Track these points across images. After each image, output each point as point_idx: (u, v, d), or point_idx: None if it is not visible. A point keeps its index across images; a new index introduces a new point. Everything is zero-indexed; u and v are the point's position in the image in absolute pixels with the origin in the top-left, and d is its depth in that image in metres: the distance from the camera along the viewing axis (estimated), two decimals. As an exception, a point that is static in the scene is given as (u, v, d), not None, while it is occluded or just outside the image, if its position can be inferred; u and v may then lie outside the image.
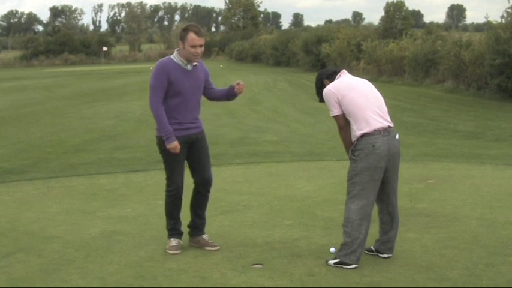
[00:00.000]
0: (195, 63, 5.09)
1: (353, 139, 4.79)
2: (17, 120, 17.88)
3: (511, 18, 21.72)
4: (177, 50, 5.10)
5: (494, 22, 23.00)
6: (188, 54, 5.00)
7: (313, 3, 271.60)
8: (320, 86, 4.93)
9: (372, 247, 4.95)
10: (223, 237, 5.46)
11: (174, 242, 5.19)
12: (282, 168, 9.26)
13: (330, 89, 4.79)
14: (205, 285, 4.43)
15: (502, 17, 22.53)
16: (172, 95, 5.02)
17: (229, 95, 5.36)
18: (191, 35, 4.94)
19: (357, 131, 4.72)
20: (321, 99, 4.92)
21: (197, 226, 5.35)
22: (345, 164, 9.25)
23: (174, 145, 5.00)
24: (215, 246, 5.23)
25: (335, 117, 4.80)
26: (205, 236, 5.34)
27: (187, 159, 5.20)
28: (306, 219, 6.10)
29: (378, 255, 4.91)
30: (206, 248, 5.23)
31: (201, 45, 4.98)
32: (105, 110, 20.17)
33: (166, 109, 5.04)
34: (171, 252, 5.12)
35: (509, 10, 22.03)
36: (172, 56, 5.10)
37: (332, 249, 4.91)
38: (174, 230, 5.26)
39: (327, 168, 9.11)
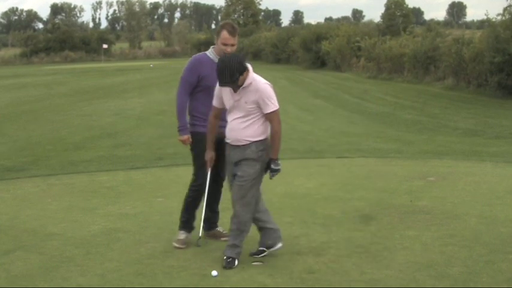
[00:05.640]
0: None
1: (261, 138, 4.76)
2: (17, 117, 17.87)
3: (510, 16, 21.68)
4: (213, 47, 5.17)
5: (493, 19, 22.96)
6: (219, 51, 5.07)
7: (314, 1, 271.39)
8: (241, 72, 4.59)
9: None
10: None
11: (182, 235, 5.23)
12: (282, 166, 9.22)
13: (270, 84, 4.77)
14: (205, 282, 4.43)
15: (499, 14, 22.50)
16: (203, 89, 5.09)
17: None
18: (224, 33, 5.01)
19: (268, 131, 4.79)
20: (232, 84, 4.61)
21: (210, 219, 5.40)
22: (345, 161, 9.30)
23: (184, 138, 5.15)
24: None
25: (277, 111, 4.72)
26: (219, 228, 5.44)
27: None
28: (305, 217, 6.10)
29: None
30: (222, 239, 5.29)
31: (232, 45, 5.02)
32: (105, 107, 20.16)
33: (197, 104, 5.13)
34: (176, 245, 5.14)
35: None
36: (207, 52, 5.19)
37: (214, 273, 4.58)
38: (187, 223, 5.29)
39: (326, 166, 9.10)
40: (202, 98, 5.12)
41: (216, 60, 5.05)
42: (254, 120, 4.70)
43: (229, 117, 4.78)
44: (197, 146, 5.18)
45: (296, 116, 17.75)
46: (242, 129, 4.70)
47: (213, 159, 4.97)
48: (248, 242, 5.26)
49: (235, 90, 4.66)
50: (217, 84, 4.73)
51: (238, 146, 4.73)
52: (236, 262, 4.72)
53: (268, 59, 54.15)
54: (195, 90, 5.13)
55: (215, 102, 4.87)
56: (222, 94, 4.77)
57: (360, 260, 4.77)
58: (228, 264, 4.70)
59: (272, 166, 4.79)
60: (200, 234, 5.09)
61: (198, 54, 5.31)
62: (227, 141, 4.82)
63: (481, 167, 8.90)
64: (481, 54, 22.34)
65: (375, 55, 33.50)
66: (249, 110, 4.67)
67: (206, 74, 5.06)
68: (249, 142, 4.71)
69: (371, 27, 49.11)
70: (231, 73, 4.54)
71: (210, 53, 5.16)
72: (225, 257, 4.76)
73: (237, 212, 4.77)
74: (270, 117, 4.71)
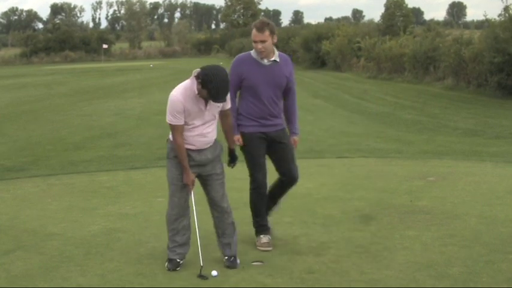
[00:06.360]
0: (273, 59, 5.05)
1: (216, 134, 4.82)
2: (17, 117, 17.87)
3: (508, 16, 21.66)
4: None
5: (493, 20, 22.94)
6: (254, 49, 5.03)
7: (314, 1, 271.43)
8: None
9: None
10: (223, 234, 5.44)
11: (264, 238, 5.17)
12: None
13: None
14: (205, 282, 4.43)
15: (500, 15, 22.47)
16: (247, 89, 5.04)
17: (288, 124, 5.32)
18: (253, 31, 4.97)
19: None
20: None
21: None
22: (345, 161, 9.29)
23: (235, 138, 5.04)
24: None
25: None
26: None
27: (270, 156, 5.23)
28: (305, 217, 6.10)
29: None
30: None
31: (262, 41, 4.93)
32: (105, 107, 20.16)
33: (243, 104, 5.08)
34: (262, 248, 5.08)
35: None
36: (251, 51, 5.11)
37: (214, 273, 4.57)
38: (262, 226, 5.25)
39: (327, 166, 9.09)
40: (249, 97, 5.04)
41: (258, 59, 5.01)
42: (215, 122, 4.71)
43: (199, 129, 4.59)
44: (245, 147, 5.13)
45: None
46: (209, 133, 4.67)
47: (194, 182, 4.72)
48: (248, 242, 5.27)
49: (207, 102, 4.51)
50: (179, 102, 4.50)
51: (205, 148, 4.70)
52: (238, 260, 4.73)
53: (268, 59, 54.11)
54: (241, 90, 5.06)
55: (181, 121, 4.54)
56: (190, 109, 4.50)
57: (360, 260, 4.78)
58: (232, 264, 4.69)
59: (236, 154, 4.91)
60: (201, 264, 4.61)
61: (242, 53, 5.21)
62: (192, 148, 4.65)
63: (481, 167, 8.89)
64: (480, 54, 22.32)
65: (375, 55, 33.48)
66: (217, 114, 4.66)
67: (248, 73, 4.98)
68: (213, 141, 4.74)
69: (371, 27, 49.08)
70: (225, 91, 4.40)
71: (254, 51, 5.08)
72: (226, 257, 4.76)
73: (226, 209, 4.80)
74: (227, 113, 4.75)
